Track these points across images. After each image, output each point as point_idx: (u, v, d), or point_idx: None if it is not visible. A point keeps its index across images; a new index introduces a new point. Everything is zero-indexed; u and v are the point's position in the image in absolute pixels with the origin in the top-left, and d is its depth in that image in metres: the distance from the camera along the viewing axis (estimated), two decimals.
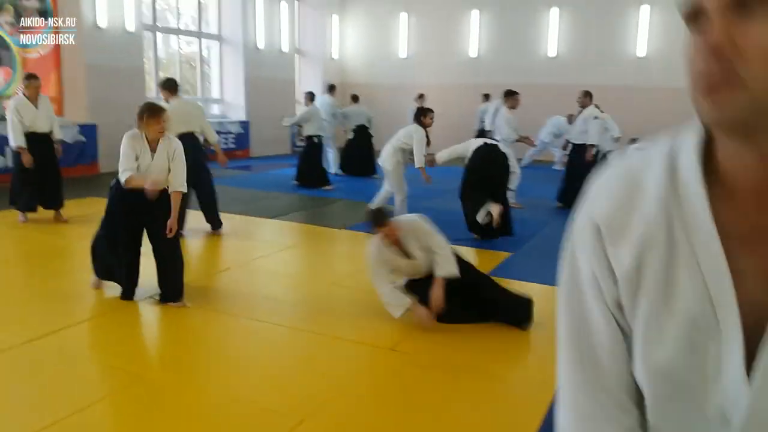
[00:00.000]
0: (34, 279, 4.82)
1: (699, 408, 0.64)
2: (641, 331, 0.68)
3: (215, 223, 6.25)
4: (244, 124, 13.33)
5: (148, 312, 4.16)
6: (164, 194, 4.15)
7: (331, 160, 10.95)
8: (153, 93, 11.10)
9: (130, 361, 3.39)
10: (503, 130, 8.05)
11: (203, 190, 6.17)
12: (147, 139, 4.06)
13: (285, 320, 4.03)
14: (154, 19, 11.65)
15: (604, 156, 8.27)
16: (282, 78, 14.33)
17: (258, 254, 5.70)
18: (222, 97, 13.59)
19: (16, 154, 6.32)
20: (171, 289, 4.21)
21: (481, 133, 13.11)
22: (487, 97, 13.16)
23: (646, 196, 0.66)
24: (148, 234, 4.22)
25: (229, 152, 12.95)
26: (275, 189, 9.38)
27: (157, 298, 4.23)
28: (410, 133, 6.62)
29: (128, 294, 4.23)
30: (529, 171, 10.51)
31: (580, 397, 0.74)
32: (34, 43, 9.19)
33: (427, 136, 6.70)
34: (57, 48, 9.48)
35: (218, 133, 12.67)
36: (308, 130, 9.58)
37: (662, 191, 0.65)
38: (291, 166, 10.33)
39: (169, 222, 4.09)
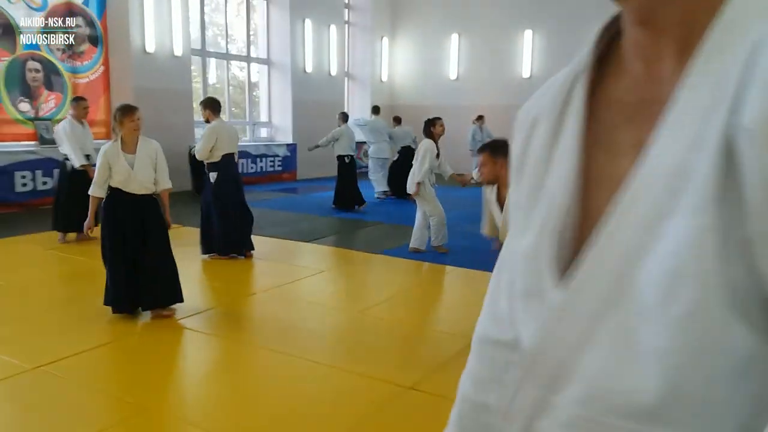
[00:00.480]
0: (56, 302, 4.73)
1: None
2: (518, 223, 0.65)
3: (246, 245, 6.08)
4: (291, 147, 13.33)
5: (163, 338, 3.97)
6: (150, 201, 4.20)
7: (376, 182, 10.75)
8: (200, 116, 11.23)
9: (134, 391, 3.19)
10: None
11: (244, 211, 6.06)
12: (124, 141, 4.13)
13: (302, 352, 3.76)
14: (203, 44, 11.83)
15: None
16: (330, 101, 14.30)
17: (287, 279, 5.47)
18: (270, 120, 13.66)
19: (63, 177, 6.45)
20: (169, 291, 4.21)
21: None
22: None
23: (557, 81, 0.64)
24: (138, 243, 4.14)
25: (276, 175, 12.99)
26: (315, 211, 9.23)
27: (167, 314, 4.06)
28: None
29: (126, 307, 4.17)
30: None
31: (494, 276, 0.77)
32: (84, 68, 9.42)
33: (438, 148, 6.29)
34: (106, 73, 9.70)
35: (265, 156, 12.79)
36: (338, 150, 9.49)
37: (571, 73, 0.62)
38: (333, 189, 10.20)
39: (166, 219, 4.28)
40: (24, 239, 6.65)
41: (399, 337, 4.09)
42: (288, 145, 13.34)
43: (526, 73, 14.86)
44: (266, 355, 3.73)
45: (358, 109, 15.39)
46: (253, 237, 6.23)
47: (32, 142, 8.78)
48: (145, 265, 4.14)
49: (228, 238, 5.90)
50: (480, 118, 13.30)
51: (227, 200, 5.87)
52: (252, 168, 12.48)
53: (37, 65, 8.87)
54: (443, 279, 5.77)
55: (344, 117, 9.96)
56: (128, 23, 9.61)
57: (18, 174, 8.29)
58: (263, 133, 13.65)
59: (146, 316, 4.21)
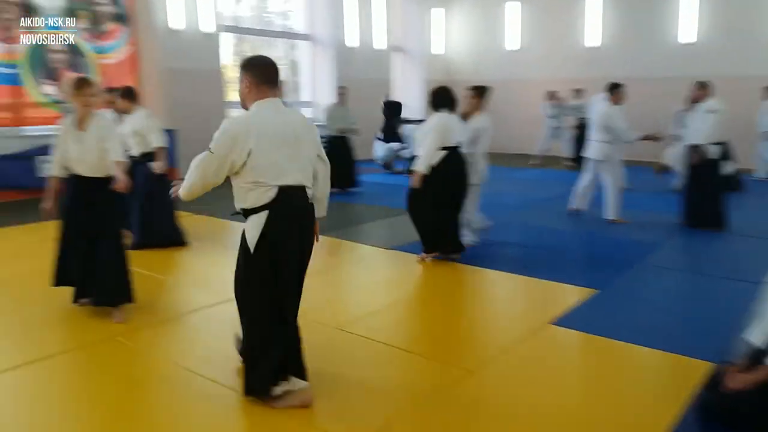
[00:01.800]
0: (20, 303, 4.35)
1: None
2: None
3: (175, 236, 5.89)
4: None
5: (112, 352, 3.46)
6: (104, 184, 3.92)
7: None
8: (228, 96, 10.75)
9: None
10: (622, 129, 6.64)
11: (162, 202, 5.78)
12: (77, 118, 3.91)
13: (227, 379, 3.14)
14: (237, 20, 11.31)
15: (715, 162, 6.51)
16: (376, 78, 13.50)
17: None
18: (314, 100, 13.05)
19: None
20: (116, 289, 3.94)
21: (581, 129, 11.70)
22: (578, 92, 12.28)
23: None
24: (89, 228, 3.94)
25: None
26: (337, 199, 8.60)
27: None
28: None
29: (79, 295, 4.05)
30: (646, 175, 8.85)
31: None
32: (109, 48, 9.11)
33: None
34: (135, 53, 9.34)
35: None
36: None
37: None
38: (374, 172, 9.53)
39: (119, 185, 3.87)
40: (37, 227, 6.45)
41: (370, 365, 3.38)
42: None
43: (593, 42, 13.50)
44: (202, 385, 3.13)
45: (409, 86, 14.56)
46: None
47: (55, 126, 8.58)
48: (93, 256, 3.92)
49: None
50: (552, 94, 12.38)
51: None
52: None
53: (60, 46, 8.61)
54: (445, 281, 4.98)
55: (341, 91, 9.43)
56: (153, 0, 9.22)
57: (39, 159, 8.09)
58: (307, 113, 13.08)
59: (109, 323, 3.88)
